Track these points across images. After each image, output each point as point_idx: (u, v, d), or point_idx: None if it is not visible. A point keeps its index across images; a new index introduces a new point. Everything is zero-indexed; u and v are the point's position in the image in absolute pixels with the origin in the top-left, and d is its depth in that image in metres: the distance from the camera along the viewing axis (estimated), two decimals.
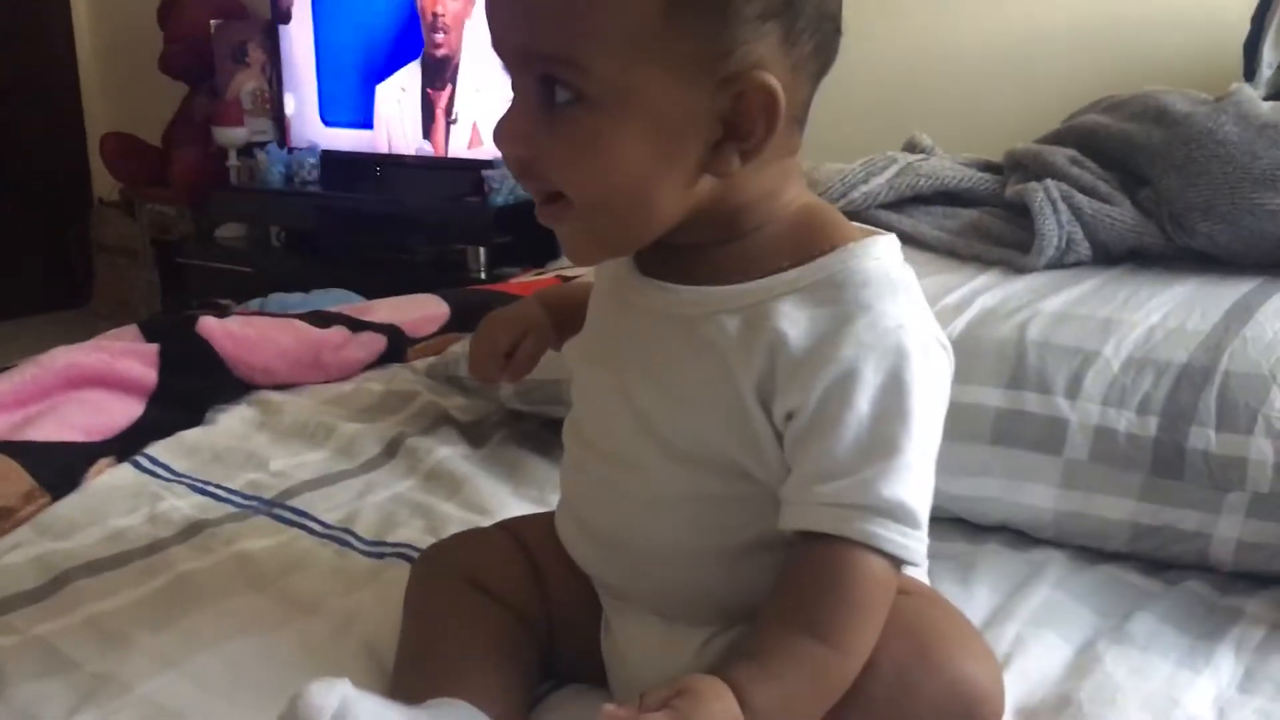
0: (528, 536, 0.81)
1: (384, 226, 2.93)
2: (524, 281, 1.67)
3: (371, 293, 1.71)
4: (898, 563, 0.63)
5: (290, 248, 3.18)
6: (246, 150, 3.23)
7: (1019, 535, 0.97)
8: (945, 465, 0.96)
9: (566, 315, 0.82)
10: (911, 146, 1.39)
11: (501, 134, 0.65)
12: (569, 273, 1.65)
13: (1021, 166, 1.25)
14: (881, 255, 0.67)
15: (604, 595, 0.78)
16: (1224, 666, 0.78)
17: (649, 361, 0.70)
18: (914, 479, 0.62)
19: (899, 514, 0.62)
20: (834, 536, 0.62)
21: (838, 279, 0.65)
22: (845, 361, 0.63)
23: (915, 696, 0.63)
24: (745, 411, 0.65)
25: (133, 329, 1.26)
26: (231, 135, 3.22)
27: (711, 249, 0.68)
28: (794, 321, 0.64)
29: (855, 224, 0.71)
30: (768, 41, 0.62)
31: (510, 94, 0.65)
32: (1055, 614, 0.84)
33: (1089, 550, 0.94)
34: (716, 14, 0.61)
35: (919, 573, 0.75)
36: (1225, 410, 0.88)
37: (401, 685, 0.73)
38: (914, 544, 0.62)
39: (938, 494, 0.94)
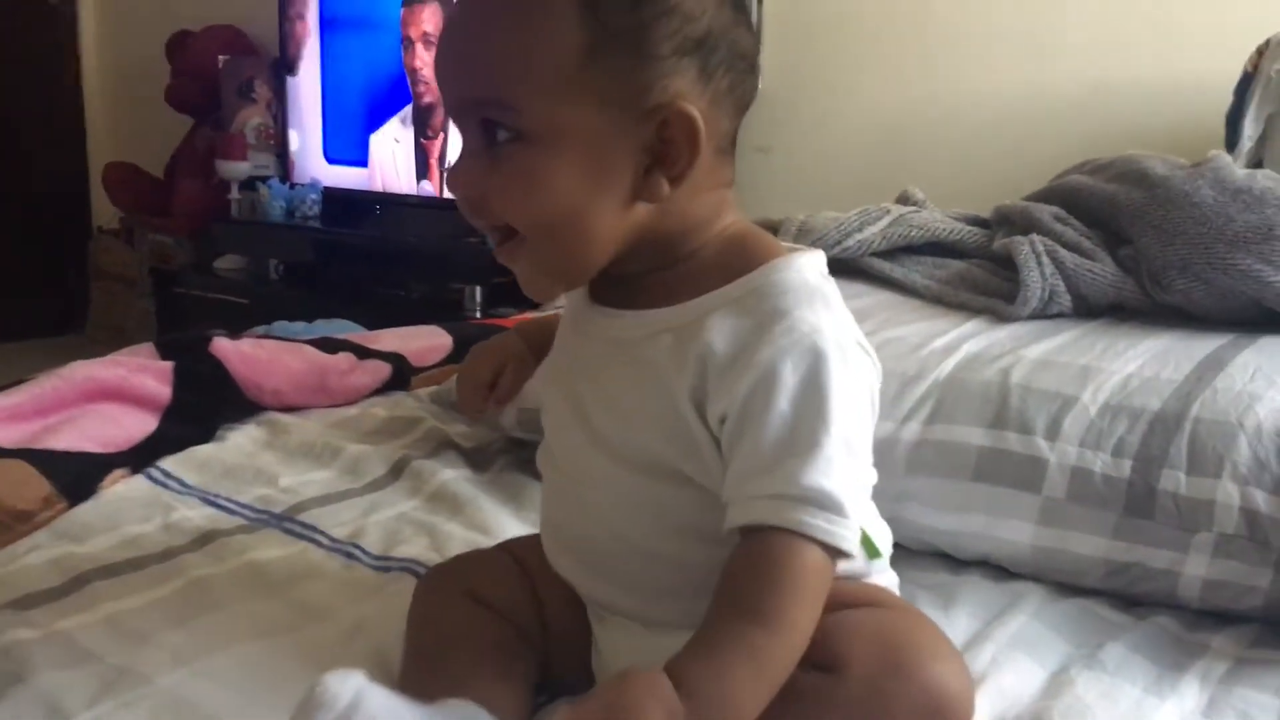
0: (526, 556, 0.85)
1: (382, 263, 2.97)
2: (523, 318, 1.71)
3: (370, 328, 1.75)
4: (830, 551, 0.66)
5: (288, 281, 3.22)
6: (249, 184, 3.28)
7: (998, 569, 1.01)
8: (929, 500, 1.01)
9: (544, 344, 0.87)
10: (904, 199, 1.45)
11: (453, 179, 0.72)
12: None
13: (1009, 221, 1.31)
14: (803, 268, 0.72)
15: (591, 611, 0.82)
16: (1189, 694, 0.81)
17: (598, 381, 0.76)
18: (836, 470, 0.66)
19: (824, 501, 0.65)
20: (766, 527, 0.66)
21: (761, 290, 0.71)
22: (764, 364, 0.67)
23: (887, 701, 0.66)
24: (683, 420, 0.70)
25: (149, 347, 1.30)
26: (235, 169, 3.27)
27: (651, 276, 0.74)
28: (720, 331, 0.70)
29: (784, 243, 0.76)
30: (685, 76, 0.68)
31: (462, 142, 0.72)
32: (1031, 640, 0.88)
33: (1064, 585, 0.98)
34: (633, 53, 0.67)
35: (889, 581, 0.79)
36: (1195, 455, 0.93)
37: (408, 689, 0.76)
38: (841, 530, 0.65)
39: (921, 528, 1.01)
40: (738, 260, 0.73)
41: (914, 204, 1.42)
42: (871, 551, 0.79)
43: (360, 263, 3.02)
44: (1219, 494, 0.91)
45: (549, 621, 0.82)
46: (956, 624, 0.90)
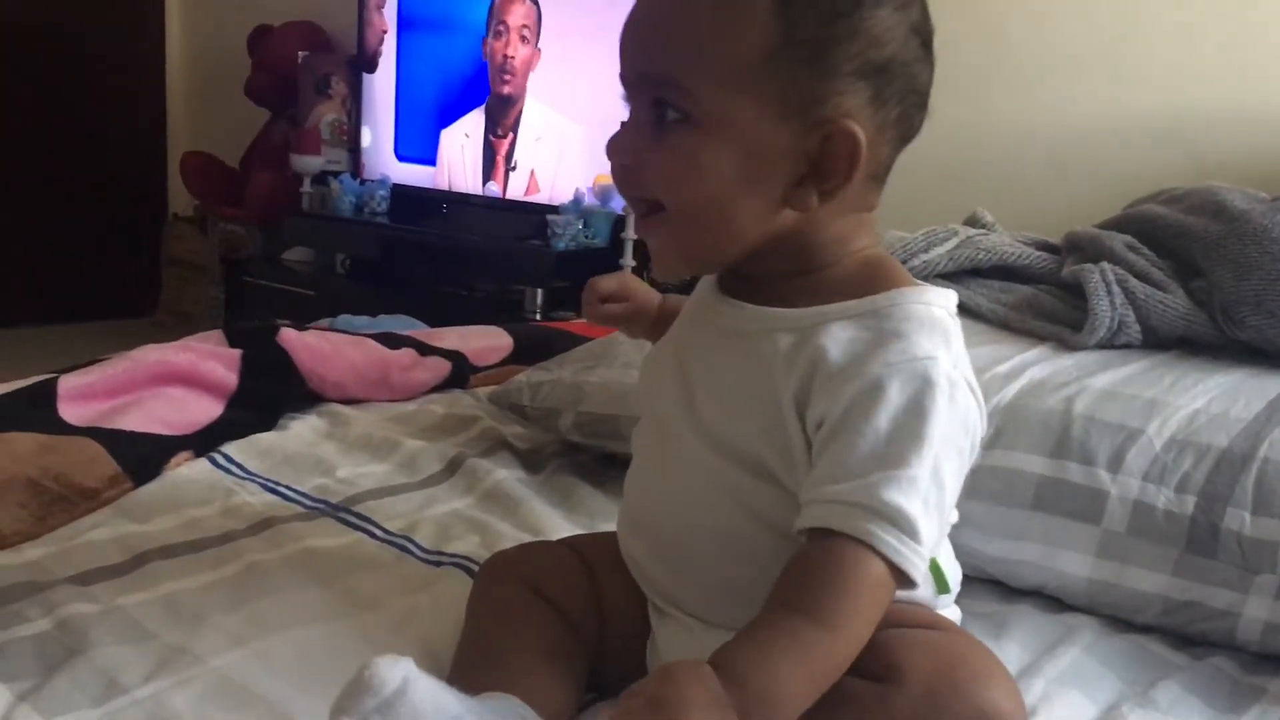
0: (588, 553, 0.86)
1: (447, 262, 3.00)
2: (585, 322, 1.72)
3: (431, 325, 1.77)
4: (895, 571, 0.65)
5: (354, 275, 3.26)
6: (320, 178, 3.33)
7: (1052, 600, 1.00)
8: (985, 526, 1.00)
9: (668, 319, 0.89)
10: (973, 221, 1.43)
11: (614, 145, 0.74)
12: None
13: (1079, 249, 1.29)
14: (932, 301, 0.73)
15: (651, 606, 0.83)
16: None
17: (709, 365, 0.77)
18: (918, 494, 0.66)
19: (899, 520, 0.65)
20: (835, 532, 0.66)
21: (884, 312, 0.72)
22: (872, 377, 0.68)
23: (940, 716, 0.66)
24: (782, 420, 0.71)
25: (218, 334, 1.33)
26: (308, 163, 3.32)
27: (782, 279, 0.75)
28: (836, 340, 0.71)
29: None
30: (858, 98, 0.70)
31: (626, 116, 0.74)
32: (1082, 675, 0.87)
33: (1119, 620, 0.96)
34: (815, 63, 0.69)
35: (952, 615, 0.79)
36: (1262, 495, 0.91)
37: (459, 679, 0.76)
38: (910, 553, 0.65)
39: (976, 554, 1.00)
40: (868, 281, 0.74)
41: (982, 226, 1.41)
42: (941, 585, 0.79)
43: (425, 260, 3.05)
44: None
45: (607, 619, 0.83)
46: (1007, 654, 0.89)
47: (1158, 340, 1.19)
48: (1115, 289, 1.18)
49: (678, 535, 0.79)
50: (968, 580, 1.01)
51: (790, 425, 0.71)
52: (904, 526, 0.65)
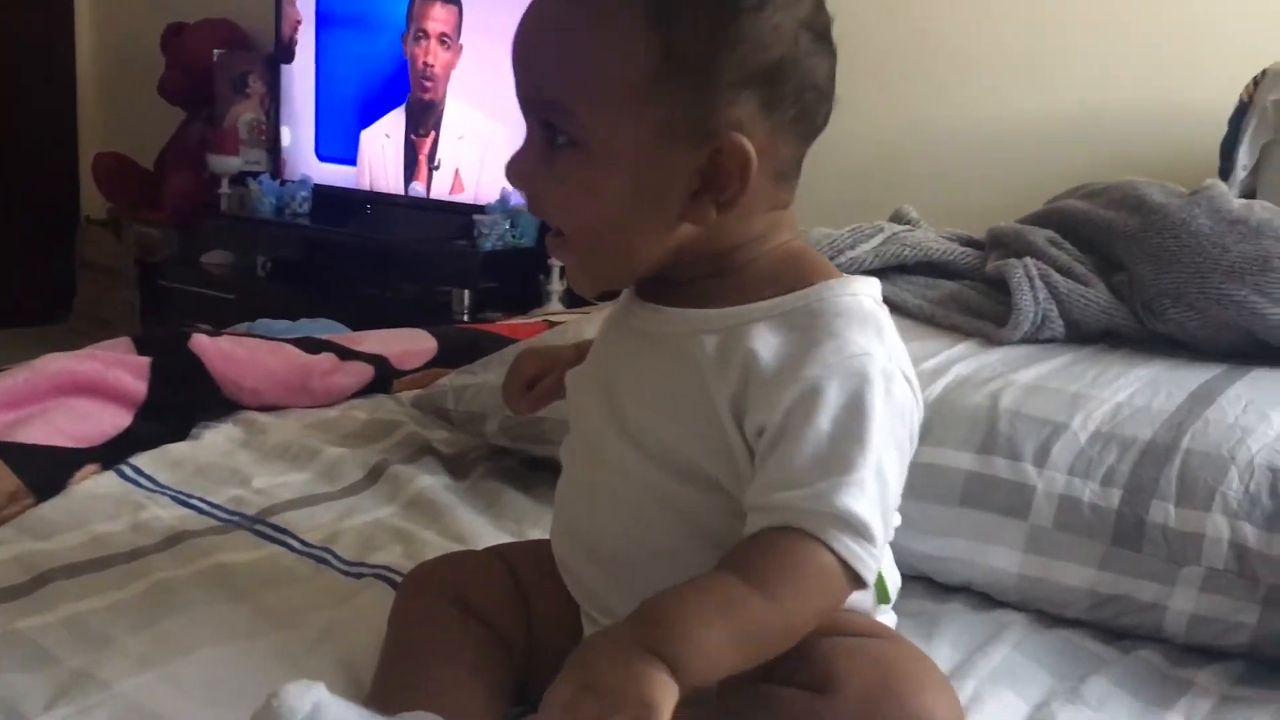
0: (516, 562, 0.84)
1: (371, 263, 2.96)
2: (512, 323, 1.70)
3: (355, 328, 1.73)
4: (848, 571, 0.64)
5: (276, 278, 3.20)
6: (239, 179, 3.26)
7: (982, 597, 1.00)
8: (914, 524, 0.99)
9: None
10: (898, 218, 1.43)
11: (509, 169, 0.72)
12: (555, 318, 1.68)
13: (1002, 244, 1.30)
14: (859, 292, 0.72)
15: (586, 617, 0.81)
16: None
17: (634, 373, 0.76)
18: (867, 496, 0.65)
19: (853, 524, 0.64)
20: (792, 529, 0.64)
21: (813, 308, 0.70)
22: (810, 380, 0.67)
23: None
24: (719, 424, 0.70)
25: (126, 341, 1.28)
26: (226, 163, 3.25)
27: (701, 280, 0.74)
28: (767, 343, 0.69)
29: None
30: (746, 107, 0.68)
31: (526, 136, 0.72)
32: (1013, 673, 0.86)
33: (1048, 615, 0.96)
34: (698, 80, 0.67)
35: (888, 622, 0.78)
36: (1185, 486, 0.91)
37: (379, 696, 0.74)
38: (864, 554, 0.64)
39: (907, 552, 0.99)
40: (790, 276, 0.73)
41: (908, 223, 1.41)
42: (882, 595, 0.78)
43: (349, 262, 3.00)
44: (1208, 527, 0.89)
45: (536, 629, 0.81)
46: (939, 654, 0.88)
47: (1080, 334, 1.20)
48: (1038, 284, 1.18)
49: (615, 548, 0.77)
50: (900, 580, 1.01)
51: (729, 432, 0.70)
52: (858, 529, 0.64)
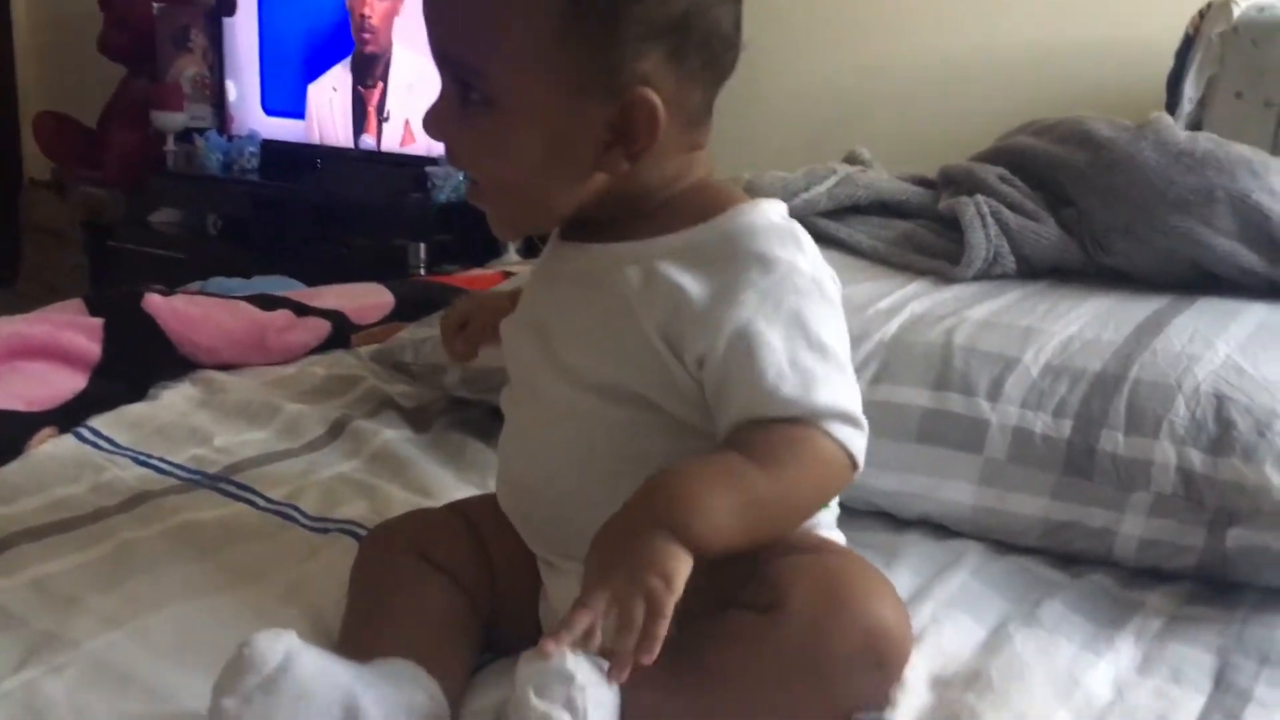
0: (474, 516, 0.85)
1: (323, 219, 2.92)
2: (469, 276, 1.69)
3: (310, 285, 1.72)
4: (849, 457, 0.69)
5: (226, 236, 3.15)
6: (185, 136, 3.20)
7: (938, 527, 1.02)
8: (873, 461, 0.99)
9: None
10: (851, 159, 1.44)
11: (426, 121, 0.74)
12: (513, 269, 1.68)
13: (954, 182, 1.31)
14: (769, 212, 0.75)
15: (541, 564, 0.82)
16: (1124, 651, 0.83)
17: (563, 311, 0.78)
18: (842, 388, 0.70)
19: (840, 414, 0.69)
20: (787, 419, 0.68)
21: (731, 234, 0.73)
22: (747, 306, 0.70)
23: (825, 638, 0.67)
24: (651, 350, 0.72)
25: (78, 302, 1.27)
26: (170, 120, 3.19)
27: (621, 218, 0.76)
28: (692, 276, 0.71)
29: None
30: (652, 59, 0.70)
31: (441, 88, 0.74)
32: (970, 598, 0.89)
33: (1002, 544, 0.99)
34: (604, 33, 0.68)
35: (836, 537, 0.80)
36: (1133, 415, 0.94)
37: (347, 648, 0.75)
38: (858, 437, 0.70)
39: (865, 488, 1.01)
40: (703, 205, 0.75)
41: (861, 164, 1.42)
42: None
43: (301, 218, 2.96)
44: (1156, 454, 0.91)
45: (497, 579, 0.82)
46: (898, 581, 0.89)
47: (1031, 269, 1.22)
48: (990, 221, 1.20)
49: (561, 487, 0.78)
50: (858, 513, 1.02)
51: (664, 357, 0.72)
52: (847, 417, 0.69)
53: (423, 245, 2.74)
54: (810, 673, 0.67)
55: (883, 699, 0.71)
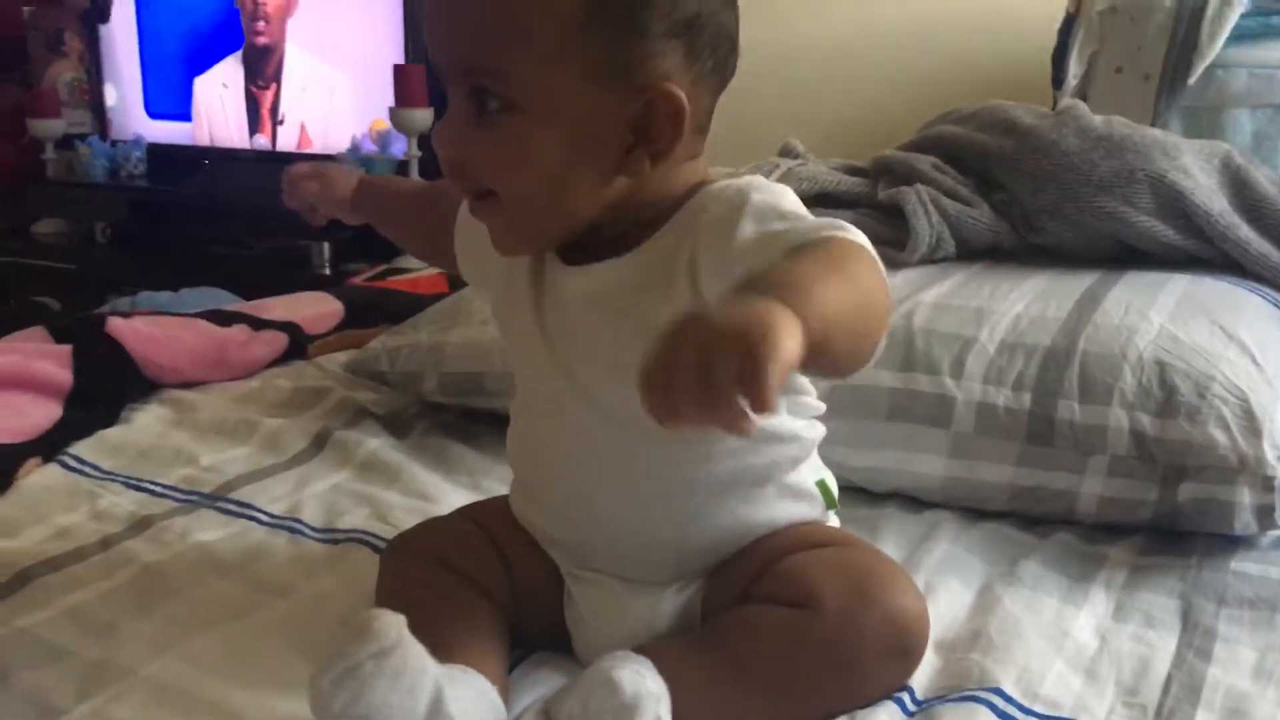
0: (488, 521, 0.87)
1: (219, 221, 2.86)
2: (412, 278, 1.71)
3: (232, 291, 1.71)
4: (866, 252, 0.66)
5: (117, 244, 3.07)
6: (65, 142, 3.10)
7: (911, 499, 1.09)
8: (848, 440, 1.08)
9: (373, 199, 1.08)
10: (787, 152, 1.50)
11: (439, 138, 0.73)
12: (412, 265, 1.70)
13: (889, 171, 1.38)
14: (738, 177, 0.76)
15: (564, 568, 0.84)
16: (1099, 601, 0.91)
17: (590, 340, 0.77)
18: (828, 223, 0.68)
19: (844, 229, 0.67)
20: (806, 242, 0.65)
21: (703, 198, 0.74)
22: (745, 229, 0.69)
23: (858, 628, 0.72)
24: None
25: (40, 330, 1.25)
26: (48, 127, 3.07)
27: (627, 232, 0.76)
28: (682, 247, 0.73)
29: None
30: (673, 57, 0.71)
31: (449, 103, 0.73)
32: (955, 564, 0.96)
33: (972, 510, 1.07)
34: (626, 30, 0.69)
35: (835, 524, 0.86)
36: (1086, 385, 1.02)
37: None
38: (866, 239, 0.67)
39: (842, 466, 1.07)
40: (690, 191, 0.76)
41: (797, 156, 1.48)
42: (829, 501, 0.86)
43: (194, 221, 2.90)
44: (1110, 420, 1.00)
45: (518, 581, 0.84)
46: (887, 553, 0.97)
47: (969, 252, 1.30)
48: (931, 208, 1.28)
49: (591, 509, 0.80)
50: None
51: None
52: (847, 229, 0.67)
53: (327, 245, 2.71)
54: (844, 665, 0.72)
55: (905, 682, 0.77)
